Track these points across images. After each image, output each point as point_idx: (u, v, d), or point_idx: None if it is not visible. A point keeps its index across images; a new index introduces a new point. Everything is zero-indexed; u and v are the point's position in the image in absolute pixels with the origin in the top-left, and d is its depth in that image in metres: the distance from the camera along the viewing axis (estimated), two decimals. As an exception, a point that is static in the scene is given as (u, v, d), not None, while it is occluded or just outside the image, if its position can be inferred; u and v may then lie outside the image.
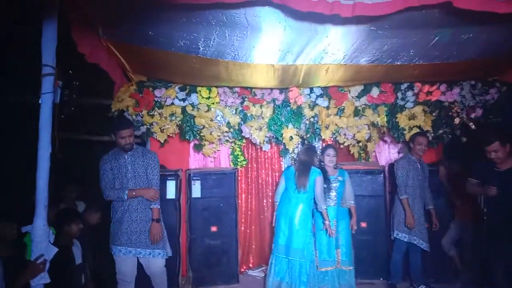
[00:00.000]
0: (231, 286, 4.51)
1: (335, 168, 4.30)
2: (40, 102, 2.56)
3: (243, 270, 4.94)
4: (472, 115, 4.34)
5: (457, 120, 4.34)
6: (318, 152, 4.49)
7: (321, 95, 4.33)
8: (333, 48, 3.24)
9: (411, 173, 4.11)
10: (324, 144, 4.96)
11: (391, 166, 4.71)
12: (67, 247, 3.47)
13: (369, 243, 4.62)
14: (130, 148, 3.43)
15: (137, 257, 3.49)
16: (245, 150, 5.10)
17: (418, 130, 4.35)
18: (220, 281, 4.53)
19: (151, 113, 4.46)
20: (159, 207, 3.50)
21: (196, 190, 4.57)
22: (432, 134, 4.44)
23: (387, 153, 5.08)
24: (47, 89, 2.55)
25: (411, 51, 3.27)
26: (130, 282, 3.48)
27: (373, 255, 4.60)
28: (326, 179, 4.17)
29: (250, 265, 5.07)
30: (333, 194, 4.22)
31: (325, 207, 4.00)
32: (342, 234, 4.21)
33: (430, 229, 4.32)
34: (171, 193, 4.42)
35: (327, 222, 3.98)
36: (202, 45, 3.23)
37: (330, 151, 4.26)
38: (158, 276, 3.55)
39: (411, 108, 4.34)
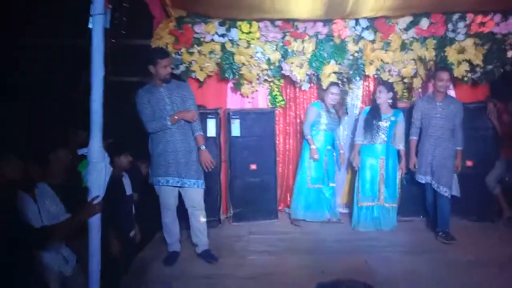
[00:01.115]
0: (270, 221, 4.59)
1: (390, 106, 4.23)
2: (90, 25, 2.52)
3: (281, 208, 5.01)
4: (527, 49, 4.10)
5: (510, 54, 4.11)
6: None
7: (367, 28, 4.17)
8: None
9: (431, 113, 3.94)
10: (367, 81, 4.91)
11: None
12: (118, 178, 3.57)
13: (407, 181, 4.56)
14: (169, 79, 3.39)
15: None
16: (283, 91, 5.01)
17: (467, 65, 4.17)
18: (260, 217, 4.61)
19: (190, 51, 4.39)
20: (202, 133, 3.52)
21: (236, 128, 4.56)
22: (482, 70, 4.25)
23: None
24: (98, 10, 2.50)
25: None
26: (174, 211, 3.55)
27: (412, 193, 4.56)
28: (378, 117, 4.18)
29: (288, 204, 5.12)
30: (381, 133, 4.21)
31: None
32: (388, 172, 4.21)
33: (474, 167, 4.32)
34: (211, 131, 4.42)
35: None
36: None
37: (334, 89, 4.30)
38: (201, 206, 3.55)
39: (461, 41, 4.14)
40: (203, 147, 3.46)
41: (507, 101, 4.45)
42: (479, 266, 3.35)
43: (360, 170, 4.29)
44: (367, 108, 4.37)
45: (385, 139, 4.21)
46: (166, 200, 3.49)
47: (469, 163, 4.43)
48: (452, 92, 4.70)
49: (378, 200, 4.23)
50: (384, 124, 4.19)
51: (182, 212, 3.60)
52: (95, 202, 2.51)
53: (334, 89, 4.30)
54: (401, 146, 4.25)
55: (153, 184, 3.49)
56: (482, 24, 4.04)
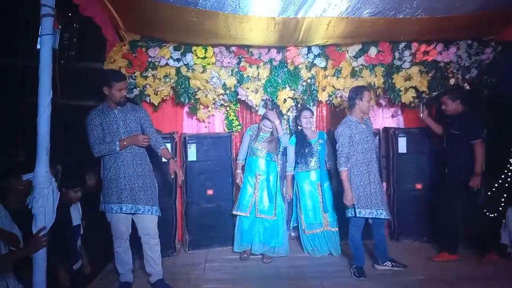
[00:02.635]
0: (227, 248, 4.48)
1: (313, 130, 4.33)
2: (38, 45, 2.45)
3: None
4: (467, 76, 4.37)
5: (452, 81, 4.36)
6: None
7: (318, 55, 4.29)
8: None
9: (357, 138, 3.67)
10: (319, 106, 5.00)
11: (386, 129, 4.77)
12: (65, 207, 3.40)
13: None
14: (124, 102, 3.32)
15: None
16: (239, 115, 5.03)
17: (413, 91, 4.39)
18: (216, 243, 4.52)
19: (144, 75, 4.34)
20: (166, 146, 3.51)
21: (192, 153, 4.50)
22: (427, 96, 4.47)
23: (381, 117, 5.09)
24: (46, 30, 2.44)
25: (414, 2, 3.25)
26: (127, 240, 3.42)
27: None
28: (307, 143, 4.23)
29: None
30: (315, 157, 4.27)
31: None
32: (325, 197, 4.24)
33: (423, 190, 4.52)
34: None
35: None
36: (202, -4, 3.13)
37: (307, 113, 4.29)
38: (155, 234, 3.44)
39: (407, 68, 4.35)
40: (171, 158, 3.46)
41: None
42: (430, 285, 3.46)
43: (299, 199, 4.31)
44: (292, 137, 4.38)
45: (319, 164, 4.27)
46: (118, 228, 3.34)
47: (418, 186, 4.58)
48: (400, 118, 4.93)
49: (323, 226, 4.24)
50: (315, 148, 4.26)
51: (134, 241, 3.48)
52: (42, 234, 2.41)
53: (307, 113, 4.28)
54: (331, 164, 4.28)
55: (104, 212, 3.34)
56: (426, 52, 4.26)
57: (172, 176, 3.52)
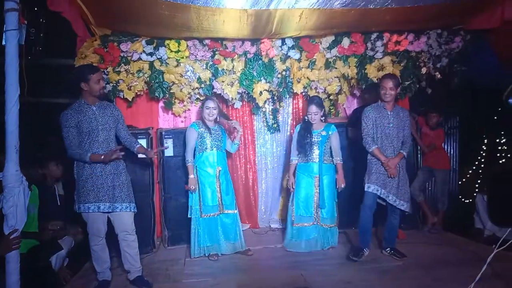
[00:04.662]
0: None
1: (321, 121, 4.11)
2: (3, 41, 2.38)
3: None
4: (438, 65, 4.46)
5: (424, 70, 4.46)
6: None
7: (292, 47, 4.30)
8: (308, -10, 3.20)
9: (377, 121, 3.71)
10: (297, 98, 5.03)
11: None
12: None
13: (339, 194, 4.71)
14: (104, 94, 3.26)
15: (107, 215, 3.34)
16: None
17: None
18: (196, 238, 4.49)
19: (117, 70, 4.27)
20: (140, 144, 3.51)
21: (169, 148, 4.46)
22: (400, 86, 4.53)
23: (355, 108, 5.16)
24: (11, 26, 2.37)
25: (385, -8, 3.29)
26: (103, 238, 3.36)
27: (344, 206, 4.70)
28: (308, 134, 4.09)
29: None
30: (314, 149, 4.08)
31: None
32: (324, 191, 4.05)
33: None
34: (142, 152, 4.29)
35: None
36: (173, -12, 3.10)
37: (312, 109, 4.04)
38: (132, 231, 3.40)
39: (380, 59, 4.41)
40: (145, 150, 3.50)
41: (426, 114, 4.82)
42: (408, 269, 3.54)
43: (295, 190, 4.16)
44: (298, 125, 4.24)
45: (319, 156, 4.07)
46: (96, 227, 3.27)
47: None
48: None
49: (314, 221, 4.09)
50: (315, 139, 4.06)
51: (111, 238, 3.43)
52: (13, 236, 2.36)
53: (210, 103, 4.03)
54: (338, 160, 4.09)
55: (80, 212, 3.24)
56: (398, 42, 4.33)
57: (150, 156, 3.59)
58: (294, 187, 4.18)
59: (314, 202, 4.10)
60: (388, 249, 3.89)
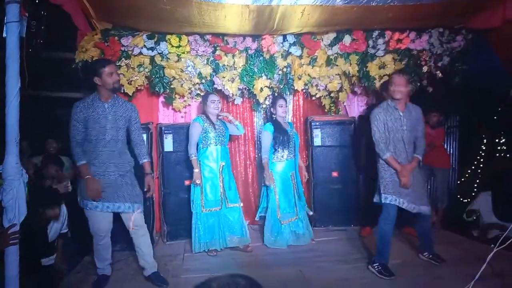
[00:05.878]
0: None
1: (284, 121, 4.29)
2: (4, 34, 2.36)
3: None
4: (439, 63, 4.45)
5: (425, 69, 4.43)
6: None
7: (294, 44, 4.28)
8: (311, -14, 3.19)
9: (389, 124, 3.41)
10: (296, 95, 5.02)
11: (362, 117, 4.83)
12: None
13: (340, 192, 4.75)
14: (120, 87, 3.22)
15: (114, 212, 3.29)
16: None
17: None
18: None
19: (117, 64, 4.23)
20: (149, 160, 3.48)
21: (168, 143, 4.47)
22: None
23: (356, 106, 5.16)
24: (12, 18, 2.35)
25: (387, -10, 3.28)
26: (105, 237, 3.31)
27: (344, 204, 4.74)
28: (285, 132, 4.20)
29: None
30: (290, 147, 4.24)
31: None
32: (298, 185, 4.33)
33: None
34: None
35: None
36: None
37: (283, 102, 4.24)
38: (140, 226, 3.36)
39: (381, 56, 4.39)
40: (149, 175, 3.45)
41: (426, 113, 4.80)
42: (407, 268, 3.54)
43: (276, 188, 4.18)
44: (268, 124, 4.23)
45: (294, 153, 4.27)
46: (101, 226, 3.22)
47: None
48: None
49: (296, 215, 4.22)
50: (290, 137, 4.24)
51: (115, 233, 3.42)
52: (11, 231, 2.35)
53: (214, 97, 4.10)
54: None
55: (84, 208, 3.19)
56: (399, 40, 4.31)
57: (145, 190, 3.44)
58: (274, 183, 4.19)
59: (294, 197, 4.25)
60: (426, 253, 3.66)
